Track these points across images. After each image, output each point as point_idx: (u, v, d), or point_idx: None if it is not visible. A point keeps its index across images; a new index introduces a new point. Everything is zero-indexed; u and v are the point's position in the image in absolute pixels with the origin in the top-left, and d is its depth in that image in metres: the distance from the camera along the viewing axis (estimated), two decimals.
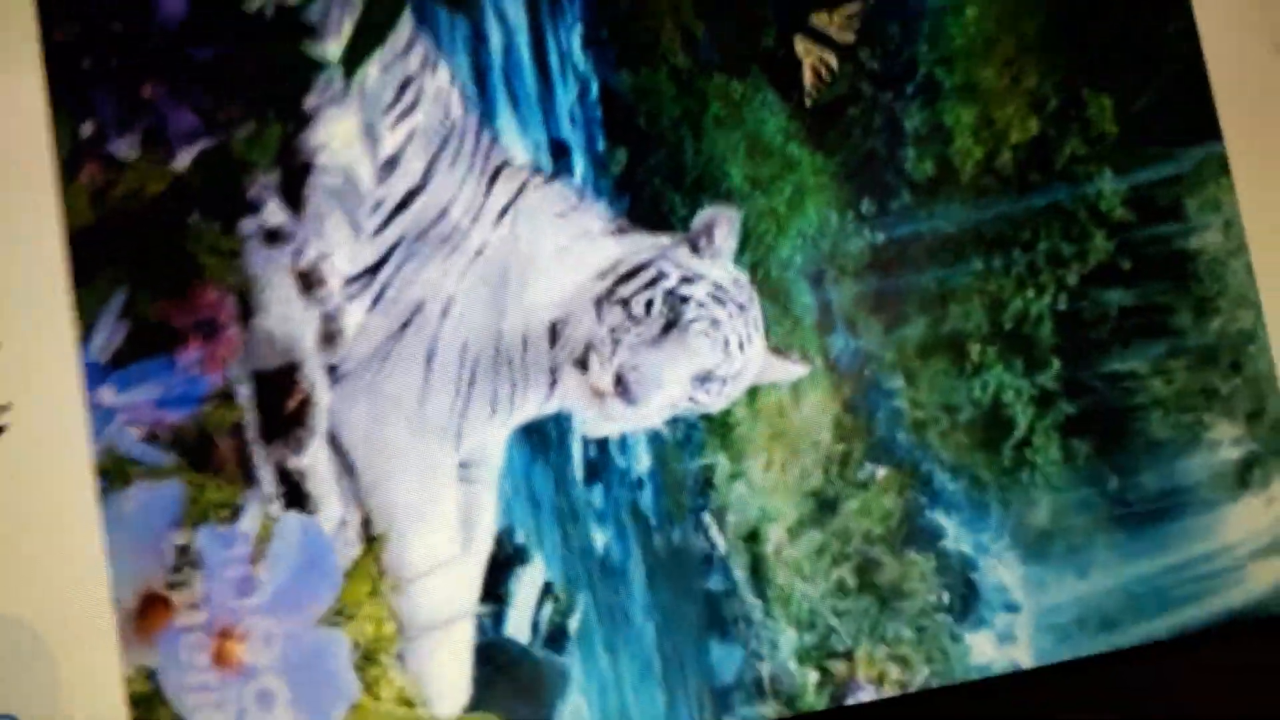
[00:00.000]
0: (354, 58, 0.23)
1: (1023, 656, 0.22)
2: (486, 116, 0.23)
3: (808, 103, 0.23)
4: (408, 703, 0.21)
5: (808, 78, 0.23)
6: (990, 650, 0.22)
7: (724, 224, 0.23)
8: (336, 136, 0.22)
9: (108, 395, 0.21)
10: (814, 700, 0.22)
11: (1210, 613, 0.22)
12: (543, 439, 0.22)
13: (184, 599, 0.21)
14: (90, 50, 0.22)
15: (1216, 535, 0.23)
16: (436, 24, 0.23)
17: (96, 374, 0.22)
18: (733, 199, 0.23)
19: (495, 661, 0.21)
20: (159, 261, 0.22)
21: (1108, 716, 0.22)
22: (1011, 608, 0.22)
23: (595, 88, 0.23)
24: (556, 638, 0.21)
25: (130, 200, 0.22)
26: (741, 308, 0.23)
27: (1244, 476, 0.23)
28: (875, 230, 0.23)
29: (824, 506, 0.22)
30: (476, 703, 0.21)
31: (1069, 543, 0.22)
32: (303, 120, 0.22)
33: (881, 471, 0.22)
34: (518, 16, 0.23)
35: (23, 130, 0.22)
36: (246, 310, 0.22)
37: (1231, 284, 0.23)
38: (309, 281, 0.22)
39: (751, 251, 0.23)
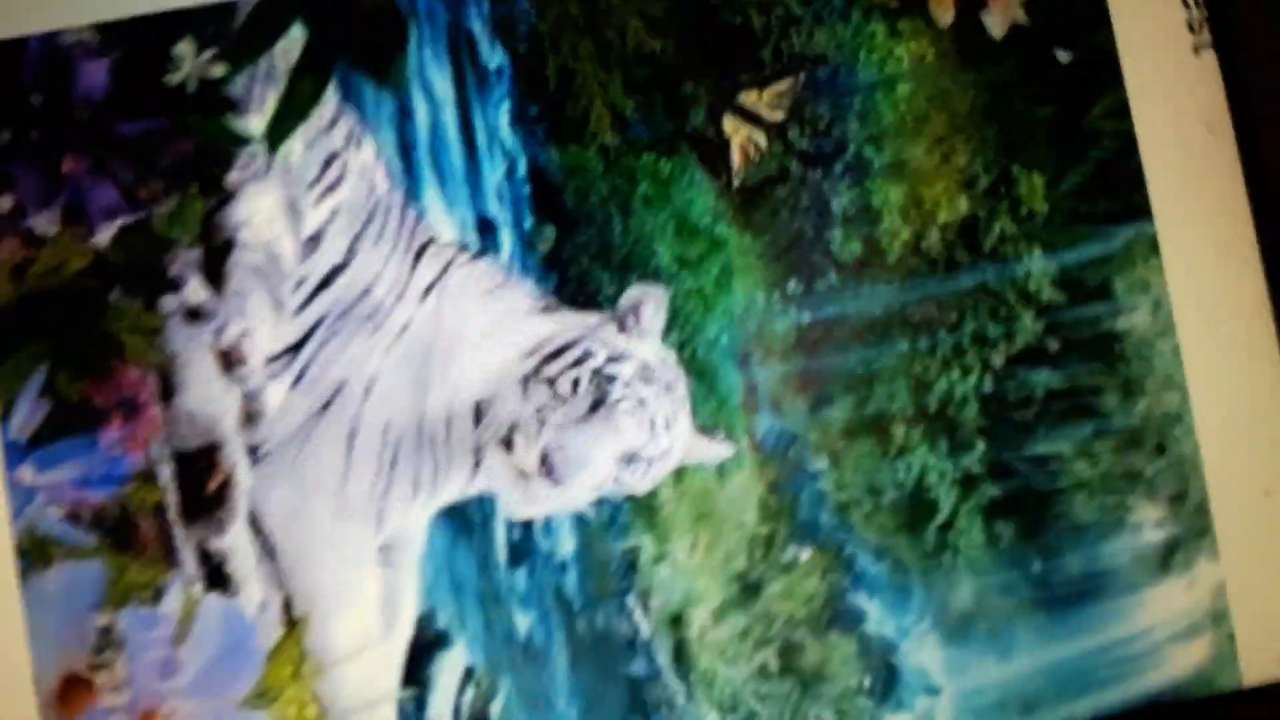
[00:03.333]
0: (277, 133, 0.25)
1: None
2: (412, 193, 0.25)
3: (735, 182, 0.26)
4: None
5: (736, 157, 0.26)
6: None
7: (651, 303, 0.25)
8: (259, 213, 0.25)
9: (28, 474, 0.24)
10: None
11: (1130, 695, 0.25)
12: (466, 521, 0.25)
13: (106, 680, 0.23)
14: (8, 123, 0.25)
15: (1137, 618, 0.25)
16: (362, 100, 0.25)
17: (16, 453, 0.24)
18: (660, 278, 0.25)
19: None
20: (79, 339, 0.24)
21: None
22: (932, 690, 0.25)
23: (523, 165, 0.26)
24: None
25: (50, 277, 0.24)
26: (668, 387, 0.25)
27: (1166, 560, 0.26)
28: (801, 310, 0.25)
29: (748, 589, 0.25)
30: None
31: (991, 625, 0.25)
32: (225, 196, 0.25)
33: (805, 554, 0.25)
34: (444, 92, 0.26)
35: None
36: (168, 389, 0.24)
37: (1158, 365, 0.26)
38: (230, 360, 0.24)
39: (679, 330, 0.25)
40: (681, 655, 0.24)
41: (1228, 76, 0.27)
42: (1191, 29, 0.27)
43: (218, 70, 0.25)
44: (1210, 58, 0.27)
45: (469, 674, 0.24)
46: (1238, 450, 0.26)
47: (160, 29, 0.25)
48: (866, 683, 0.25)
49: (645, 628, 0.24)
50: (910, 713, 0.25)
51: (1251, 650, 0.25)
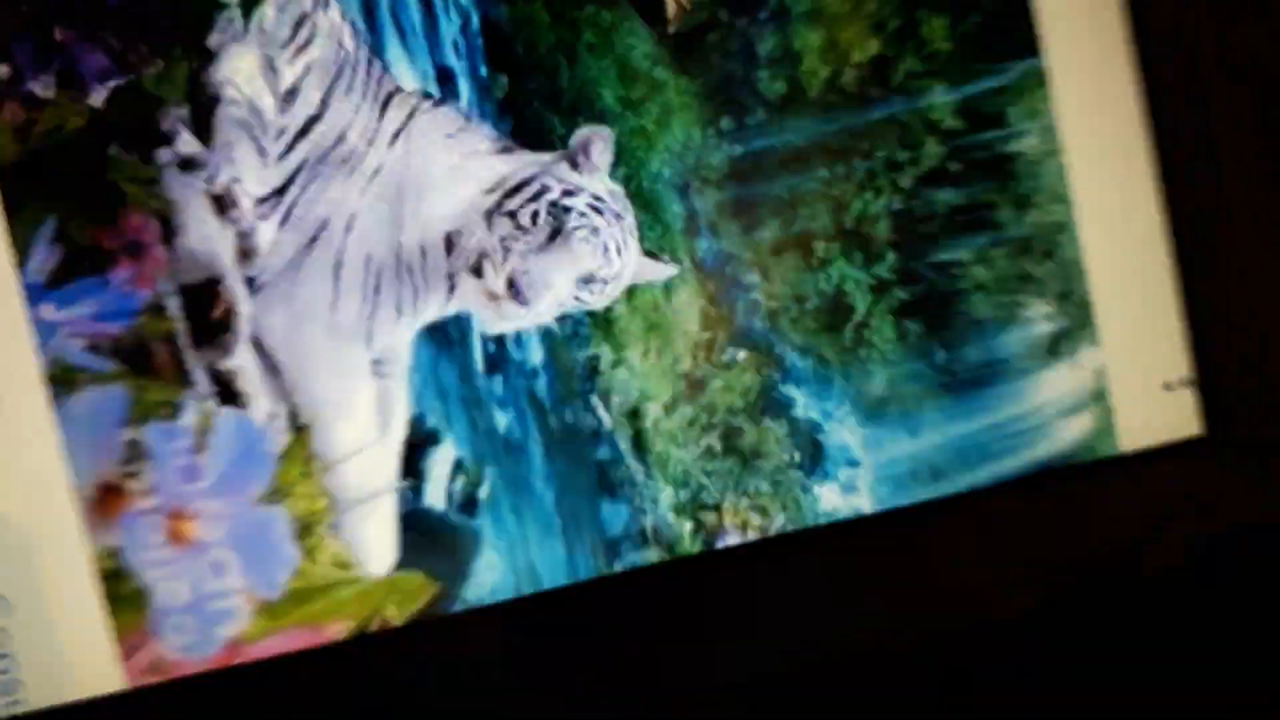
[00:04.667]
0: None
1: (864, 504, 0.30)
2: (376, 48, 0.29)
3: (671, 29, 0.30)
4: (343, 565, 0.28)
5: (670, 7, 0.30)
6: (836, 499, 0.30)
7: (599, 142, 0.30)
8: (239, 71, 0.29)
9: (49, 311, 0.28)
10: (689, 546, 0.30)
11: (1024, 463, 0.31)
12: (446, 337, 0.29)
13: (137, 487, 0.28)
14: None
15: (1029, 398, 0.31)
16: None
17: (36, 293, 0.28)
18: (606, 119, 0.30)
19: (417, 527, 0.29)
20: (84, 191, 0.28)
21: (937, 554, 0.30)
22: (853, 463, 0.30)
23: (476, 19, 0.29)
24: (469, 505, 0.29)
25: (52, 136, 0.28)
26: (618, 216, 0.30)
27: (1054, 348, 0.31)
28: (733, 144, 0.30)
29: (693, 385, 0.30)
30: (403, 563, 0.29)
31: (902, 408, 0.30)
32: (207, 57, 0.28)
33: (742, 354, 0.30)
34: None
35: None
36: (169, 232, 0.28)
37: (1046, 182, 0.31)
38: (223, 204, 0.28)
39: (625, 166, 0.30)
40: (639, 442, 0.30)
41: None
42: None
43: None
44: None
45: (458, 465, 0.29)
46: (1115, 252, 0.31)
47: None
48: (796, 458, 0.30)
49: (607, 421, 0.29)
50: (835, 482, 0.30)
51: (1127, 422, 0.31)
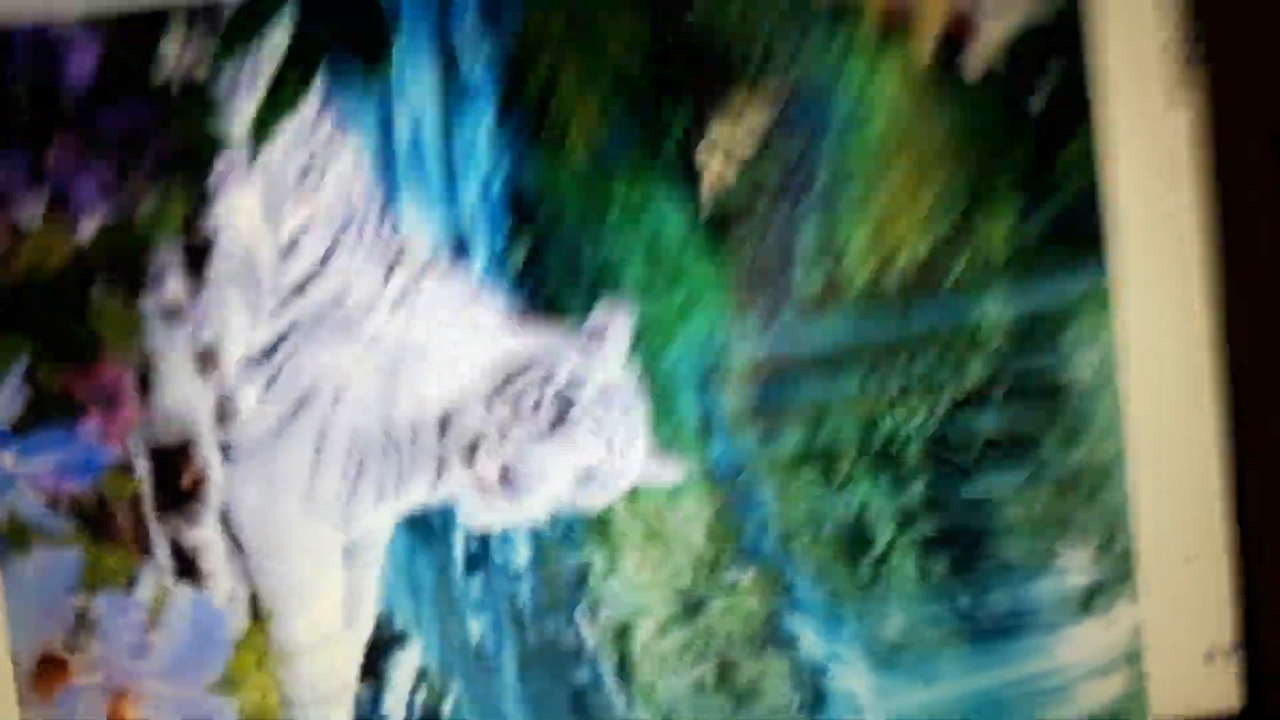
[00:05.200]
0: (261, 128, 0.30)
1: None
2: (388, 201, 0.29)
3: (704, 213, 0.30)
4: None
5: (706, 188, 0.30)
6: None
7: (616, 326, 0.30)
8: (239, 214, 0.29)
9: (9, 460, 0.28)
10: None
11: None
12: (427, 528, 0.30)
13: (81, 661, 0.28)
14: None
15: (1057, 654, 0.31)
16: (344, 103, 0.29)
17: None
18: (627, 302, 0.29)
19: None
20: (61, 332, 0.29)
21: None
22: (859, 712, 0.30)
23: (499, 179, 0.30)
24: None
25: (33, 271, 0.28)
26: (626, 409, 0.30)
27: (1088, 601, 0.31)
28: (760, 342, 0.30)
29: (691, 606, 0.30)
30: None
31: (918, 654, 0.30)
32: (206, 197, 0.29)
33: (748, 576, 0.30)
34: (426, 101, 0.30)
35: None
36: (145, 385, 0.29)
37: (1099, 415, 0.30)
38: (206, 361, 0.29)
39: (641, 353, 0.30)
40: (624, 667, 0.30)
41: (1199, 133, 0.31)
42: (1168, 84, 0.31)
43: (202, 71, 0.28)
44: (1183, 114, 0.31)
45: (423, 674, 0.29)
46: (1166, 499, 0.31)
47: (147, 24, 0.28)
48: (796, 702, 0.30)
49: (592, 639, 0.30)
50: None
51: (1162, 689, 0.31)
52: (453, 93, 0.31)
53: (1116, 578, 0.33)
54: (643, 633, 0.31)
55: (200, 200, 0.30)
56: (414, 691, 0.30)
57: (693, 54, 0.31)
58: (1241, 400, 0.33)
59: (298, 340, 0.30)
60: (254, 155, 0.30)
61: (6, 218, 0.30)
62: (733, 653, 0.31)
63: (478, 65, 0.32)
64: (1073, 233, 0.32)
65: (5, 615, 0.29)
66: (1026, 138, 0.32)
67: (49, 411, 0.30)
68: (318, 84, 0.30)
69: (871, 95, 0.32)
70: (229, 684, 0.30)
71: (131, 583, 0.30)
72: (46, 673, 0.29)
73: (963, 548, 0.32)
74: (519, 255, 0.31)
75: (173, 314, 0.30)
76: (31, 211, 0.30)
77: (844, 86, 0.32)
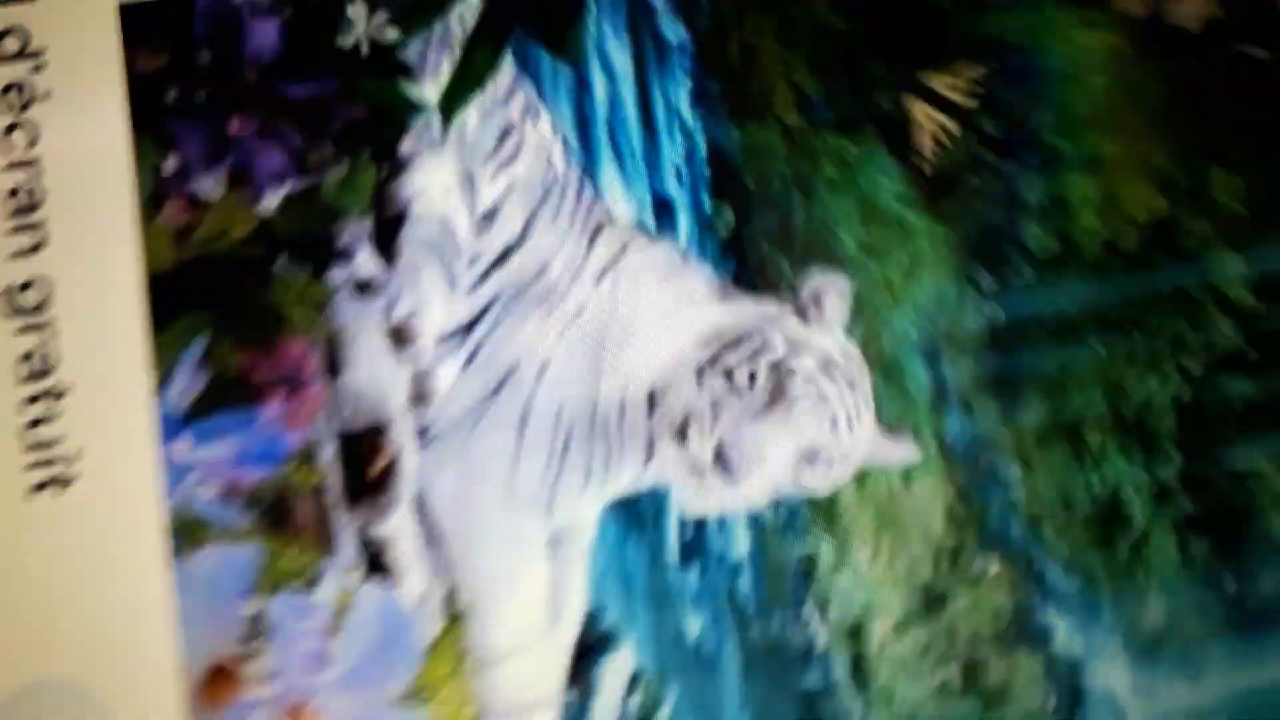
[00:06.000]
0: (452, 102, 0.28)
1: None
2: (588, 171, 0.28)
3: (925, 169, 0.28)
4: None
5: (925, 142, 0.28)
6: None
7: (835, 293, 0.28)
8: (433, 185, 0.27)
9: (183, 449, 0.26)
10: None
11: None
12: (637, 516, 0.27)
13: (254, 671, 0.25)
14: (176, 82, 0.27)
15: None
16: (539, 72, 0.28)
17: (172, 426, 0.26)
18: (844, 266, 0.27)
19: None
20: (242, 310, 0.27)
21: None
22: (1119, 714, 0.26)
23: (702, 145, 0.28)
24: None
25: (213, 243, 0.26)
26: (851, 383, 0.27)
27: None
28: (995, 306, 0.28)
29: (932, 602, 0.27)
30: None
31: (1181, 646, 0.27)
32: (398, 166, 0.27)
33: (994, 566, 0.27)
34: (623, 66, 0.29)
35: (102, 165, 0.27)
36: (333, 365, 0.27)
37: None
38: (401, 337, 0.26)
39: (863, 323, 0.28)
40: (859, 669, 0.27)
41: None
42: None
43: (391, 34, 0.27)
44: None
45: (636, 678, 0.26)
46: None
47: None
48: (1051, 704, 0.26)
49: (822, 638, 0.27)
50: None
51: None
52: (651, 55, 0.30)
53: None
54: (878, 632, 0.28)
55: (391, 170, 0.28)
56: (626, 699, 0.27)
57: (900, 4, 0.30)
58: None
59: (499, 314, 0.28)
60: (447, 123, 0.28)
61: (187, 190, 0.28)
62: (980, 652, 0.28)
63: (676, 26, 0.30)
64: None
65: (177, 619, 0.26)
66: (1256, 87, 0.30)
67: (227, 395, 0.27)
68: (511, 50, 0.29)
69: (1088, 46, 0.30)
70: (419, 695, 0.27)
71: (312, 583, 0.27)
72: (216, 683, 0.26)
73: (1226, 526, 0.29)
74: (727, 221, 0.29)
75: (363, 288, 0.28)
76: (213, 182, 0.28)
77: (1058, 37, 0.30)
